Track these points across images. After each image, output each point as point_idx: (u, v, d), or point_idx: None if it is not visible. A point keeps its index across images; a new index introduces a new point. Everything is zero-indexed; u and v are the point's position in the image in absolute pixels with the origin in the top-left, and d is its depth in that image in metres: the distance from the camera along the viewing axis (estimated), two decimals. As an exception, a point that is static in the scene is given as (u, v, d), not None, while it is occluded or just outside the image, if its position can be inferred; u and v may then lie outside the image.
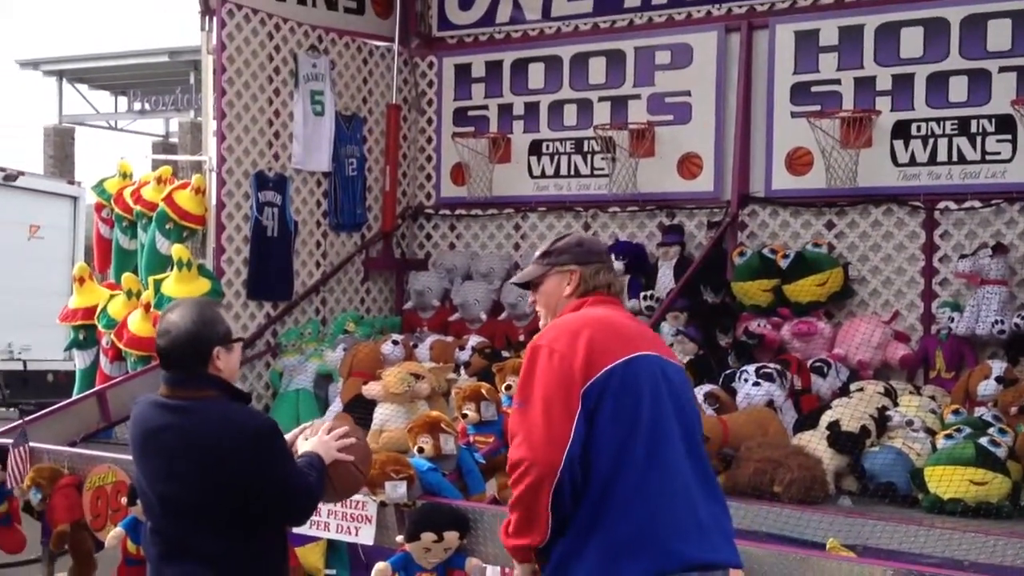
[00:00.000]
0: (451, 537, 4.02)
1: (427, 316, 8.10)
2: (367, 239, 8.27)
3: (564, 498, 2.64)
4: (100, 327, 7.21)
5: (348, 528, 4.23)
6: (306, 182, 7.81)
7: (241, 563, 2.87)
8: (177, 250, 6.78)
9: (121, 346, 6.97)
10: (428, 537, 3.99)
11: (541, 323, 3.02)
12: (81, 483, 5.22)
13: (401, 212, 8.51)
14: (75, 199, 14.16)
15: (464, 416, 4.62)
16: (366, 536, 4.29)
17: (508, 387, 4.80)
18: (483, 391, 4.67)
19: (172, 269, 6.87)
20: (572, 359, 2.68)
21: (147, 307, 6.94)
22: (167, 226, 7.06)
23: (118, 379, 6.79)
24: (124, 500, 4.88)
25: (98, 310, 7.27)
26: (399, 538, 4.13)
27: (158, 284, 6.87)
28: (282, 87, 7.59)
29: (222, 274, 7.12)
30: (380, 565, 4.09)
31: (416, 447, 4.33)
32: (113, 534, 4.83)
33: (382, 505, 4.20)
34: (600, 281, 2.96)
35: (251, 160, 7.37)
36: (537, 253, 3.11)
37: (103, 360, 7.27)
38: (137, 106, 26.98)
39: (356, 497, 4.26)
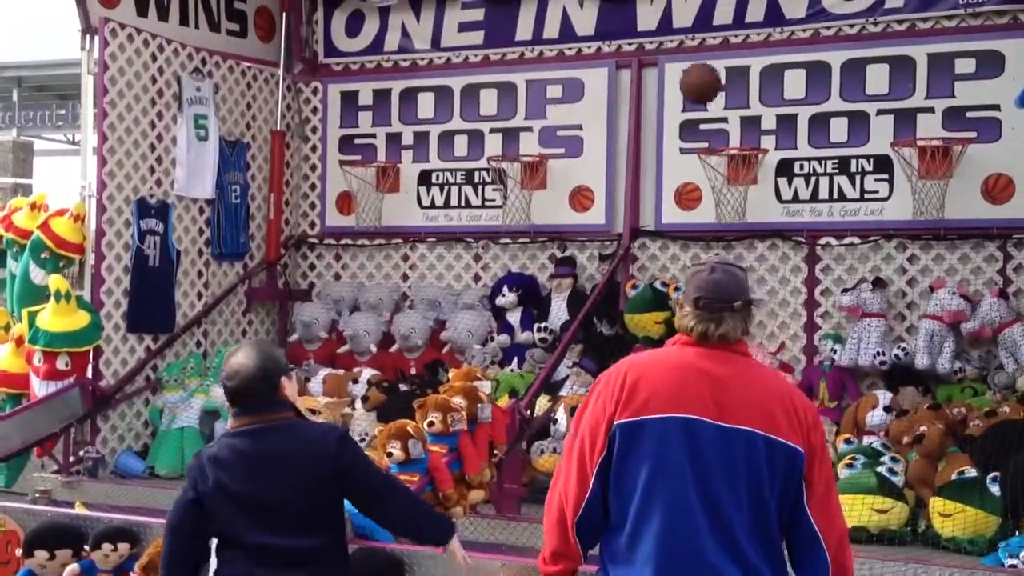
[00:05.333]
0: (386, 584, 3.94)
1: (313, 348, 7.92)
2: (250, 269, 8.04)
3: (587, 532, 2.77)
4: (-35, 362, 6.74)
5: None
6: (188, 209, 7.54)
7: (339, 559, 3.33)
8: (55, 281, 6.41)
9: (-10, 383, 6.54)
10: (363, 584, 3.89)
11: None
12: (-36, 533, 4.86)
13: (284, 241, 8.32)
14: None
15: (389, 455, 4.53)
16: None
17: (431, 423, 4.74)
18: (409, 429, 4.59)
19: (48, 300, 6.49)
20: (608, 404, 2.71)
21: (19, 341, 6.55)
22: (42, 255, 6.68)
23: (-11, 419, 6.35)
24: (18, 552, 4.57)
25: (-38, 344, 6.80)
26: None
27: (32, 317, 6.47)
28: (165, 110, 7.32)
29: (101, 306, 6.78)
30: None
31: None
32: (6, 588, 4.54)
33: (312, 551, 4.06)
34: (684, 325, 2.81)
35: (132, 186, 7.06)
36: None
37: (-32, 397, 6.79)
38: (-45, 124, 25.37)
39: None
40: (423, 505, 3.73)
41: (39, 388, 6.33)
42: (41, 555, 4.46)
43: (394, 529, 3.77)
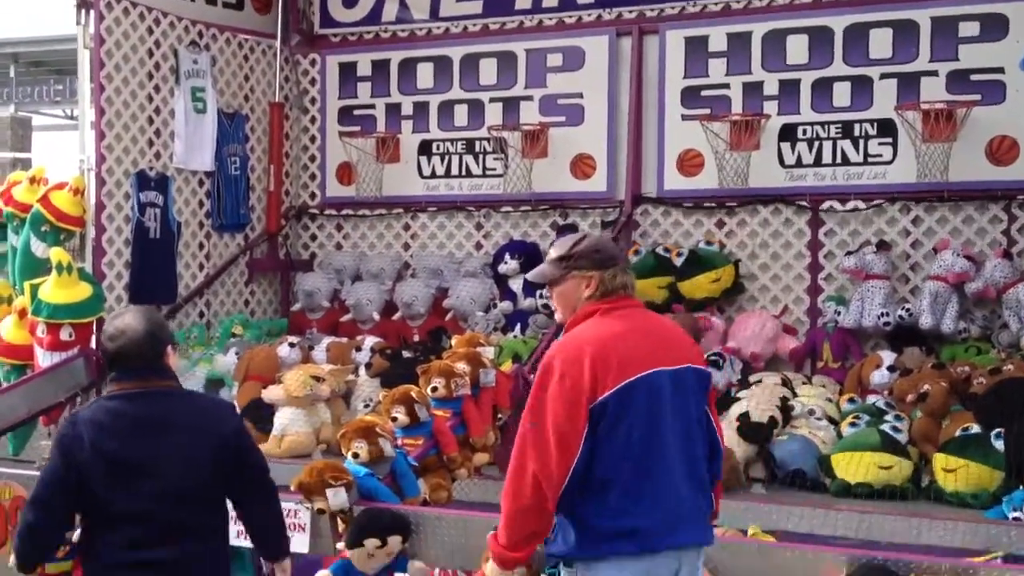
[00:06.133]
0: (394, 541, 3.93)
1: (316, 317, 7.93)
2: (251, 240, 8.03)
3: (564, 500, 2.94)
4: (-32, 335, 6.72)
5: (282, 536, 4.08)
6: (188, 182, 7.52)
7: (225, 538, 3.18)
8: (56, 253, 6.37)
9: (-8, 355, 6.53)
10: (372, 543, 3.90)
11: (558, 317, 3.24)
12: (-28, 500, 4.88)
13: (285, 212, 8.31)
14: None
15: (394, 419, 4.53)
16: (300, 545, 4.14)
17: (434, 388, 4.74)
18: (413, 394, 4.59)
19: (49, 273, 6.47)
20: (580, 383, 2.90)
21: (22, 313, 6.51)
22: (43, 228, 6.62)
23: (-7, 390, 6.36)
24: (25, 517, 4.57)
25: (-35, 317, 6.78)
26: (340, 545, 4.02)
27: (35, 289, 6.45)
28: (162, 83, 7.29)
29: (103, 278, 6.78)
30: (322, 573, 3.97)
31: (351, 452, 4.21)
32: (15, 554, 4.52)
33: (319, 513, 4.08)
34: (617, 283, 3.13)
35: (131, 159, 7.05)
36: (554, 255, 3.22)
37: (-31, 370, 6.78)
38: (-48, 99, 25.16)
39: (289, 505, 4.13)
40: (279, 515, 3.46)
41: (43, 359, 6.31)
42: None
43: (245, 520, 3.37)
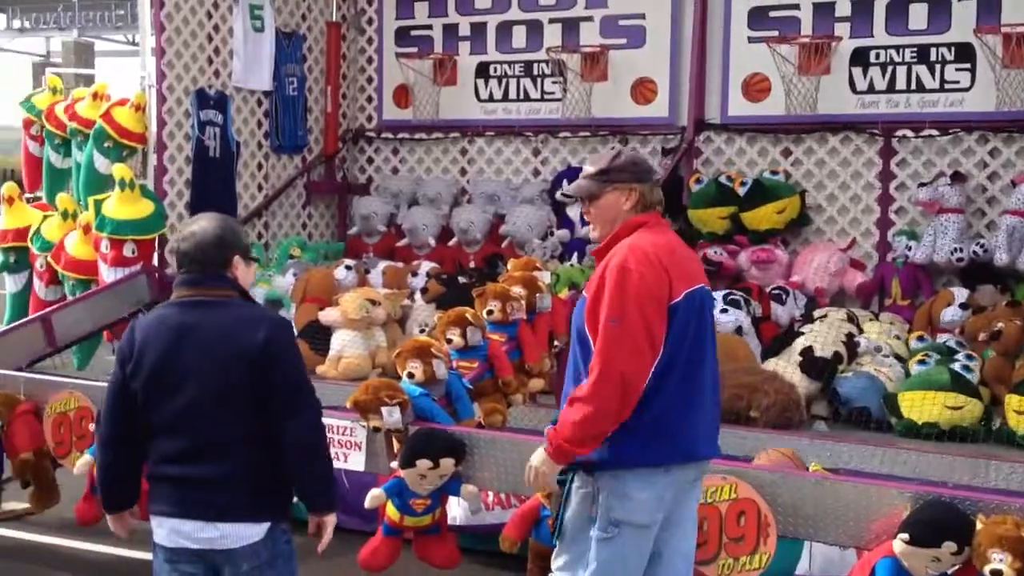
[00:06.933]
0: (446, 464, 3.90)
1: (372, 241, 7.90)
2: (308, 162, 7.99)
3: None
4: (34, 249, 6.81)
5: (337, 455, 4.07)
6: (247, 101, 7.48)
7: (266, 453, 2.88)
8: (119, 170, 6.40)
9: (59, 269, 6.61)
10: (424, 464, 3.88)
11: (594, 234, 3.17)
12: (40, 409, 4.93)
13: (342, 135, 8.24)
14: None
15: (449, 341, 4.49)
16: (356, 462, 4.16)
17: (490, 312, 4.68)
18: (468, 316, 4.53)
19: (112, 189, 6.50)
20: (661, 282, 2.92)
21: (86, 229, 6.57)
22: (106, 144, 6.64)
23: (61, 303, 6.44)
24: (91, 426, 4.64)
25: (31, 232, 6.86)
26: (393, 464, 4.01)
27: (99, 205, 6.50)
28: (221, 1, 7.20)
29: (164, 196, 6.79)
30: (374, 491, 3.97)
31: (406, 372, 4.18)
32: (82, 461, 4.58)
33: (374, 431, 4.06)
34: (655, 197, 3.13)
35: (191, 77, 7.01)
36: (592, 169, 3.15)
37: (37, 284, 6.88)
38: (16, 24, 25.26)
39: (345, 423, 4.14)
40: (323, 460, 2.98)
41: (107, 274, 6.40)
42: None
43: (283, 457, 2.91)
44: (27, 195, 7.30)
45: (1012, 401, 4.90)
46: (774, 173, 6.86)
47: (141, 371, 2.91)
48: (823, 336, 5.45)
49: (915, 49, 6.54)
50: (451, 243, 7.59)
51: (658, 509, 2.96)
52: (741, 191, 6.80)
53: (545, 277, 5.08)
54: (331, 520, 2.97)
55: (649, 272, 2.91)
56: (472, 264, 7.39)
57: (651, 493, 2.93)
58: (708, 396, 3.05)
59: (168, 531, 2.90)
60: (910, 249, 6.36)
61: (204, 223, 3.02)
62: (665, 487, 2.95)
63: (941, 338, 5.63)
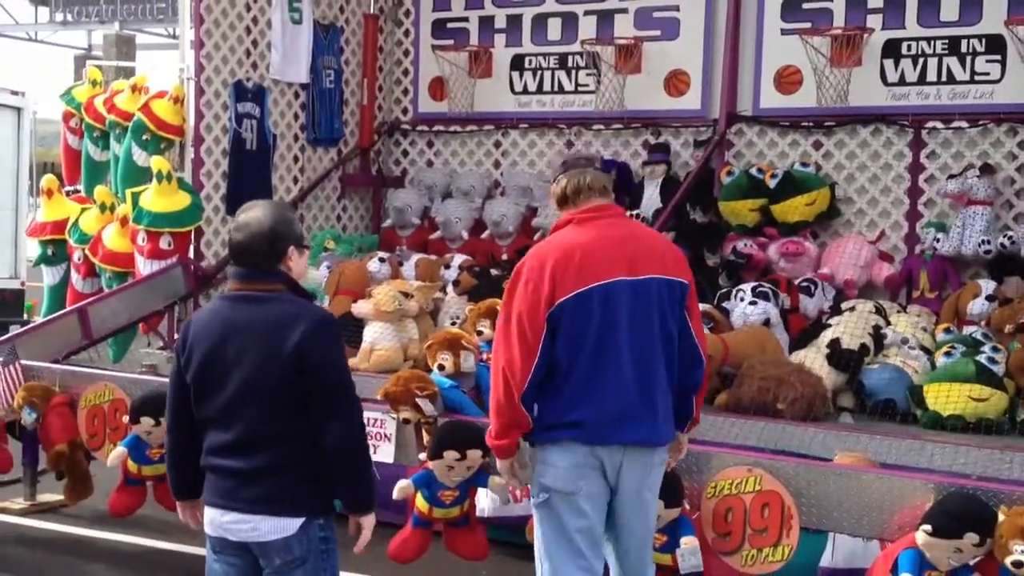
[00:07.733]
0: (473, 455, 3.96)
1: (406, 234, 8.00)
2: (344, 154, 8.10)
3: (529, 399, 3.20)
4: (71, 242, 6.97)
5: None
6: (284, 94, 7.60)
7: (307, 450, 2.91)
8: (157, 162, 6.54)
9: (96, 261, 6.75)
10: (451, 455, 3.95)
11: None
12: (74, 401, 5.05)
13: (378, 127, 8.34)
14: (19, 110, 13.52)
15: (479, 333, 4.58)
16: (385, 454, 4.26)
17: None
18: (499, 308, 4.61)
19: (150, 181, 6.64)
20: (541, 289, 3.15)
21: (124, 221, 6.71)
22: (144, 137, 6.79)
23: (97, 296, 6.59)
24: (125, 419, 4.76)
25: (69, 224, 7.02)
26: (422, 456, 4.10)
27: (136, 197, 6.64)
28: (259, -7, 7.33)
29: (201, 188, 6.92)
30: (403, 482, 4.06)
31: (436, 364, 4.28)
32: (115, 453, 4.69)
33: (403, 422, 4.16)
34: (583, 183, 3.28)
35: (229, 69, 7.13)
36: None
37: (74, 276, 7.05)
38: (59, 17, 25.51)
39: (376, 415, 4.24)
40: (362, 462, 2.96)
41: (143, 267, 6.52)
42: (147, 422, 4.60)
43: (323, 458, 2.93)
44: (66, 188, 7.45)
45: (1038, 394, 4.92)
46: (804, 165, 6.88)
47: (192, 365, 2.98)
48: (851, 328, 5.47)
49: (946, 41, 6.53)
50: (484, 236, 7.67)
51: (579, 477, 3.17)
52: (771, 183, 6.82)
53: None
54: (370, 521, 2.98)
55: (534, 277, 3.16)
56: (505, 257, 7.44)
57: (569, 461, 3.17)
58: (629, 383, 3.18)
59: (210, 521, 2.99)
60: (938, 241, 6.37)
61: (259, 213, 2.99)
62: (586, 457, 3.16)
63: (968, 330, 5.64)
